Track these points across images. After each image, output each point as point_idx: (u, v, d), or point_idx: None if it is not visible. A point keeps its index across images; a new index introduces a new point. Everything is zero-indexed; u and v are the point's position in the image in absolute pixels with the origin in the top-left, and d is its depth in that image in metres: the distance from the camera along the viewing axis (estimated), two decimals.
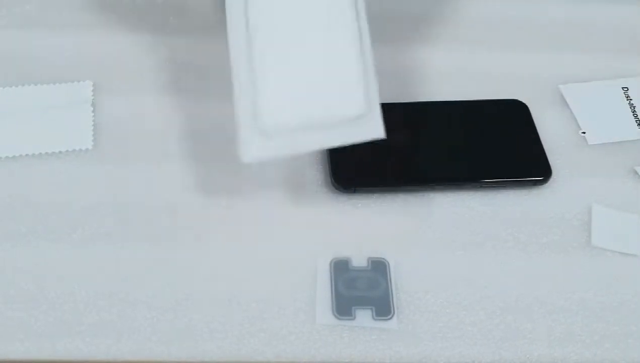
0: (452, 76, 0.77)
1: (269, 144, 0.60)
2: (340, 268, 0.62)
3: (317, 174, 0.69)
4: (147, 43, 0.77)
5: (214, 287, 0.61)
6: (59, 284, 0.60)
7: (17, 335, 0.58)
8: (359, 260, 0.63)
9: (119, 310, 0.59)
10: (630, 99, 0.76)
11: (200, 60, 0.76)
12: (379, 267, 0.63)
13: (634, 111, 0.75)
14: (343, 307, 0.60)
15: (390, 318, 0.60)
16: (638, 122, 0.74)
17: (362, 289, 0.61)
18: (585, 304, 0.62)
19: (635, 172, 0.71)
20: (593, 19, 0.84)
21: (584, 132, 0.73)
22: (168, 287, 0.61)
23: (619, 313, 0.62)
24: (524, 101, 0.74)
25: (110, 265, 0.62)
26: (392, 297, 0.61)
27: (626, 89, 0.77)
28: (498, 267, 0.64)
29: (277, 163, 0.68)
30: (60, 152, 0.68)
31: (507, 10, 0.80)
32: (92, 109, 0.71)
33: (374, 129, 0.61)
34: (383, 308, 0.60)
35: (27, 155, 0.67)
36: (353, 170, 0.68)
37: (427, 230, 0.66)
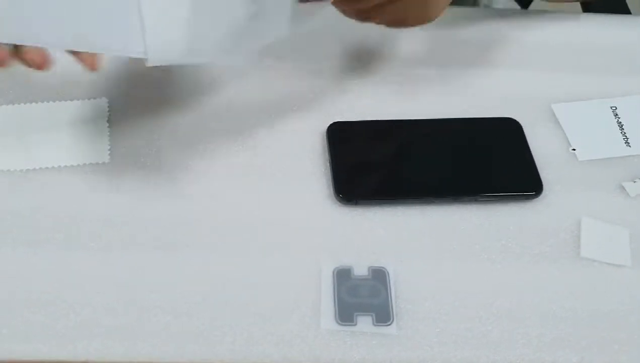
0: (450, 95, 0.80)
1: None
2: (342, 276, 0.66)
3: (320, 187, 0.72)
4: None
5: (225, 293, 0.64)
6: (78, 290, 0.64)
7: (39, 337, 0.61)
8: (360, 269, 0.67)
9: (135, 314, 0.63)
10: (619, 118, 0.80)
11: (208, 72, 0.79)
12: (379, 276, 0.66)
13: (622, 129, 0.79)
14: (345, 313, 0.64)
15: (390, 324, 0.64)
16: (626, 139, 0.78)
17: (363, 297, 0.65)
18: (575, 312, 0.66)
19: (623, 188, 0.74)
20: (585, 42, 0.87)
21: (574, 149, 0.77)
22: (181, 292, 0.64)
23: (606, 320, 0.65)
24: (517, 119, 0.77)
25: (126, 271, 0.65)
26: (392, 304, 0.65)
27: (614, 108, 0.80)
28: (492, 276, 0.67)
29: (282, 176, 0.72)
30: (78, 165, 0.71)
31: (501, 30, 0.83)
32: (107, 124, 0.74)
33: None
34: (383, 314, 0.64)
35: (47, 168, 0.71)
36: (355, 183, 0.72)
37: (425, 240, 0.69)
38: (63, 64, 0.62)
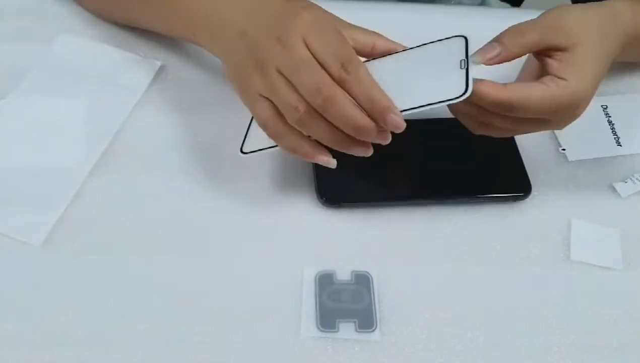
0: None
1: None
2: (325, 281, 0.64)
3: (303, 189, 0.70)
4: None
5: (203, 298, 0.62)
6: (50, 296, 0.62)
7: (7, 346, 0.59)
8: (343, 274, 0.65)
9: (110, 321, 0.61)
10: (609, 117, 0.78)
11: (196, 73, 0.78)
12: (362, 281, 0.64)
13: (612, 128, 0.77)
14: (327, 319, 0.62)
15: (373, 330, 0.62)
16: (616, 139, 0.76)
17: (345, 302, 0.63)
18: (564, 316, 0.64)
19: (614, 188, 0.72)
20: None
21: (564, 149, 0.75)
22: (158, 298, 0.62)
23: (597, 325, 0.64)
24: None
25: (101, 277, 0.63)
26: (375, 310, 0.63)
27: (605, 107, 0.79)
28: (479, 280, 0.66)
29: (264, 178, 0.70)
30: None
31: (491, 27, 0.81)
32: None
33: None
34: (366, 320, 0.62)
35: None
36: (338, 185, 0.70)
37: (410, 244, 0.68)
38: None
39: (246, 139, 0.67)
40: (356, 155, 0.62)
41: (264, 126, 0.63)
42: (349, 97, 0.59)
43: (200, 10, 0.69)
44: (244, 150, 0.66)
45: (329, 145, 0.62)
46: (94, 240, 0.65)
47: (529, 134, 0.75)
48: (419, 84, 0.62)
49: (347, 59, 0.59)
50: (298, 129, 0.61)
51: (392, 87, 0.60)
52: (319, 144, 0.62)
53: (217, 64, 0.77)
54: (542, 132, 0.75)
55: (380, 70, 0.62)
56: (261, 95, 0.62)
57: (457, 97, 0.59)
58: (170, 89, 0.76)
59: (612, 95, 0.80)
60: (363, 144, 0.61)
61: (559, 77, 0.63)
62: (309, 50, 0.59)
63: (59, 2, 0.81)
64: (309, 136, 0.62)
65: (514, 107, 0.62)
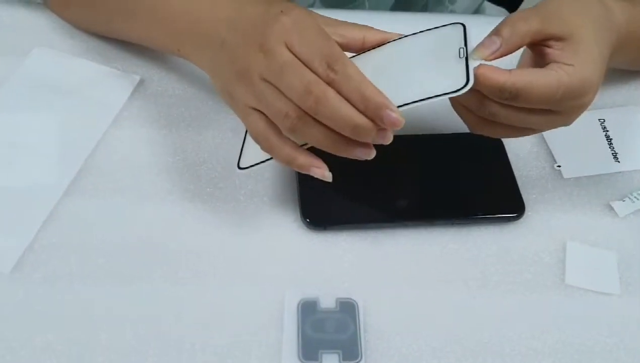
0: (424, 108, 0.75)
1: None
2: (307, 310, 0.61)
3: (287, 210, 0.67)
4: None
5: (178, 328, 0.60)
6: (16, 326, 0.59)
7: None
8: (327, 301, 0.62)
9: (80, 352, 0.58)
10: (607, 131, 0.75)
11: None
12: (347, 308, 0.61)
13: (610, 143, 0.74)
14: (309, 351, 0.59)
15: (358, 362, 0.59)
16: (614, 154, 0.73)
17: (329, 332, 0.60)
18: (559, 345, 0.61)
19: (611, 207, 0.69)
20: None
21: (559, 166, 0.72)
22: (129, 328, 0.59)
23: (592, 354, 0.61)
24: None
25: (71, 304, 0.60)
26: (360, 340, 0.60)
27: (602, 121, 0.76)
28: (470, 307, 0.63)
29: (245, 198, 0.67)
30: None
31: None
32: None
33: None
34: (351, 352, 0.59)
35: None
36: (323, 207, 0.67)
37: (397, 268, 0.65)
38: None
39: (242, 153, 0.64)
40: (358, 158, 0.58)
41: (256, 139, 0.60)
42: (342, 97, 0.56)
43: (184, 20, 0.66)
44: (241, 165, 0.63)
45: (328, 150, 0.58)
46: (66, 266, 0.62)
47: (524, 149, 0.73)
48: (416, 76, 0.59)
49: (332, 57, 0.56)
50: (292, 137, 0.58)
51: (386, 82, 0.57)
52: (314, 156, 0.59)
53: (197, 78, 0.74)
54: (536, 148, 0.73)
55: (372, 64, 0.59)
56: (250, 107, 0.59)
57: (458, 90, 0.56)
58: (149, 105, 0.73)
59: (610, 108, 0.77)
60: (364, 145, 0.58)
61: (565, 63, 0.59)
62: (292, 52, 0.56)
63: (35, 15, 0.78)
64: (307, 146, 0.59)
65: (518, 93, 0.58)
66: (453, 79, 0.57)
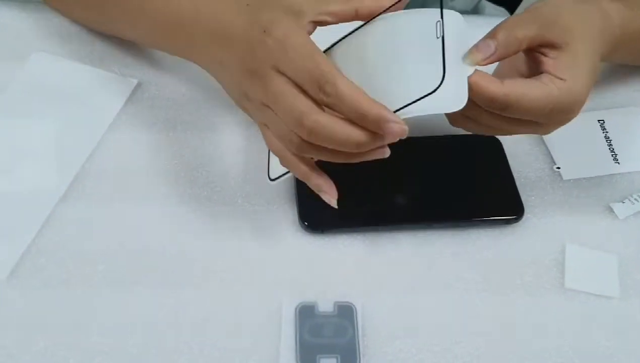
0: None
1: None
2: (305, 314, 0.61)
3: (285, 214, 0.67)
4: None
5: (174, 333, 0.59)
6: (14, 332, 0.59)
7: None
8: (325, 305, 0.61)
9: (77, 358, 0.58)
10: (607, 132, 0.74)
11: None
12: (345, 312, 0.61)
13: (610, 144, 0.73)
14: (307, 356, 0.58)
15: None
16: (614, 155, 0.73)
17: (327, 336, 0.60)
18: (559, 349, 0.61)
19: (611, 209, 0.69)
20: None
21: (558, 167, 0.72)
22: (126, 334, 0.59)
23: (592, 357, 0.60)
24: (497, 136, 0.72)
25: (68, 310, 0.60)
26: (359, 345, 0.59)
27: (602, 122, 0.75)
28: (469, 311, 0.63)
29: (243, 202, 0.67)
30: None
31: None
32: None
33: None
34: (349, 356, 0.59)
35: None
36: (321, 210, 0.66)
37: (395, 271, 0.64)
38: None
39: (270, 164, 0.64)
40: (375, 158, 0.57)
41: (276, 154, 0.60)
42: (337, 116, 0.55)
43: (183, 31, 0.65)
44: (271, 176, 0.63)
45: (342, 161, 0.58)
46: (63, 272, 0.62)
47: (523, 150, 0.72)
48: (406, 76, 0.56)
49: (322, 79, 0.54)
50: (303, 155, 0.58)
51: (378, 83, 0.55)
52: (327, 180, 0.59)
53: (194, 81, 0.74)
54: (536, 149, 0.73)
55: (359, 56, 0.58)
56: (264, 124, 0.60)
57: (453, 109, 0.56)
58: (146, 109, 0.73)
59: (610, 109, 0.76)
60: (375, 148, 0.57)
61: (557, 77, 0.59)
62: (285, 76, 0.56)
63: (32, 19, 0.78)
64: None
65: (508, 106, 0.58)
66: (454, 99, 0.56)
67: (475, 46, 0.59)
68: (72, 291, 0.61)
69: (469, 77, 0.57)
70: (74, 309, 0.60)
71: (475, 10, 0.98)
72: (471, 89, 0.57)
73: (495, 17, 0.96)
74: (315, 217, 0.66)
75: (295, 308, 0.61)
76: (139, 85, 0.74)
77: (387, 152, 0.57)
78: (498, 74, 0.65)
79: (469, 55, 0.58)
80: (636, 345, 0.61)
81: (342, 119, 0.55)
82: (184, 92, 0.74)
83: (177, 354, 0.58)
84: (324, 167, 0.60)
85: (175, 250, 0.64)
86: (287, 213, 0.67)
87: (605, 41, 0.64)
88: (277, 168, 0.62)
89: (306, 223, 0.66)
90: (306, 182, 0.60)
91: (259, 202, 0.68)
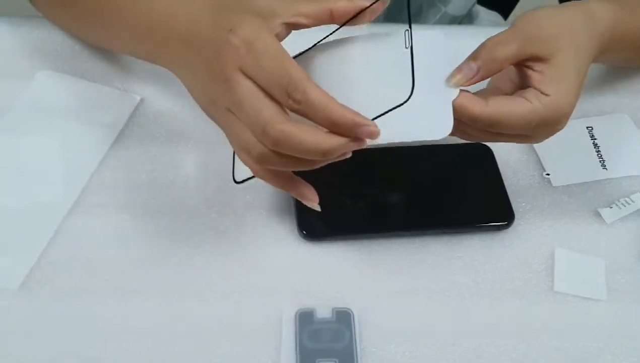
0: None
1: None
2: (305, 320, 0.63)
3: (283, 222, 0.69)
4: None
5: (174, 341, 0.62)
6: (17, 341, 0.61)
7: None
8: (323, 311, 0.64)
9: None
10: (595, 138, 0.77)
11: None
12: (343, 318, 0.64)
13: (598, 151, 0.76)
14: (307, 360, 0.61)
15: None
16: (602, 162, 0.75)
17: (326, 341, 0.62)
18: (549, 351, 0.63)
19: (599, 214, 0.71)
20: None
21: (548, 174, 0.74)
22: (127, 342, 0.61)
23: (580, 359, 0.63)
24: (488, 144, 0.74)
25: (68, 320, 0.62)
26: (356, 348, 0.62)
27: (590, 128, 0.77)
28: (462, 315, 0.65)
29: (243, 212, 0.69)
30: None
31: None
32: None
33: None
34: (347, 360, 0.61)
35: None
36: (319, 218, 0.68)
37: (391, 277, 0.67)
38: None
39: (235, 166, 0.63)
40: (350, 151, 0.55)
41: (245, 163, 0.59)
42: (306, 123, 0.53)
43: (159, 35, 0.64)
44: (237, 179, 0.62)
45: (305, 169, 0.57)
46: (72, 282, 0.64)
47: (514, 158, 0.75)
48: (375, 88, 0.56)
49: (291, 85, 0.52)
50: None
51: (348, 93, 0.54)
52: (305, 185, 0.60)
53: None
54: (526, 157, 0.75)
55: (329, 72, 0.57)
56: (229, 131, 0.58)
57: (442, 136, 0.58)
58: (149, 124, 0.75)
59: (598, 116, 0.78)
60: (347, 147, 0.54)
61: (542, 93, 0.60)
62: (251, 79, 0.53)
63: (36, 36, 0.80)
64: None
65: (493, 125, 0.60)
66: (439, 127, 0.58)
67: (458, 68, 0.60)
68: (80, 301, 0.63)
69: (453, 101, 0.58)
70: (82, 319, 0.62)
71: (468, 15, 1.00)
72: (455, 110, 0.58)
73: (487, 27, 0.98)
74: (313, 226, 0.68)
75: (295, 315, 0.64)
76: (142, 101, 0.76)
77: (348, 154, 0.55)
78: (492, 85, 0.66)
79: (452, 77, 0.59)
80: (622, 346, 0.63)
81: (307, 126, 0.53)
82: (187, 107, 0.76)
83: (176, 360, 0.61)
84: (311, 177, 0.60)
85: (178, 260, 0.66)
86: (286, 223, 0.69)
87: (593, 45, 0.64)
88: (244, 169, 0.60)
89: (305, 232, 0.68)
90: (284, 189, 0.60)
91: (258, 211, 0.70)
